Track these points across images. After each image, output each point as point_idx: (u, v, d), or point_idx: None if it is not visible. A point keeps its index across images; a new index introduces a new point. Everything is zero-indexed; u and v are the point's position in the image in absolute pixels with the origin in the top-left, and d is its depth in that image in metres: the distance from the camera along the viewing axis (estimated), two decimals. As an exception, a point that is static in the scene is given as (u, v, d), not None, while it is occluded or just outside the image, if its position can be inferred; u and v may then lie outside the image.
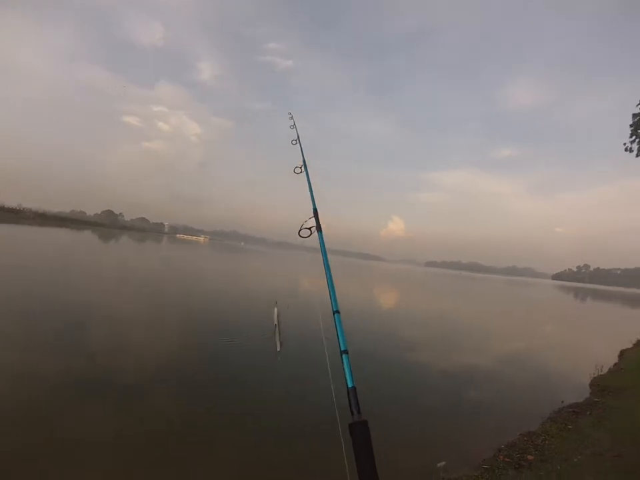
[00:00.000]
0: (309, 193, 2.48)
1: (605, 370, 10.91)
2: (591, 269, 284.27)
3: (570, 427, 6.30)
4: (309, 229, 2.06)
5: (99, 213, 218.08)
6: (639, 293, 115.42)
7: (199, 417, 5.66)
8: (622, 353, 13.86)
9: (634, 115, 21.48)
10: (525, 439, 5.82)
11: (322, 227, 2.09)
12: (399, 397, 7.65)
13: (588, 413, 7.05)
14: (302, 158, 2.79)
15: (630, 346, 15.46)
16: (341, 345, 1.43)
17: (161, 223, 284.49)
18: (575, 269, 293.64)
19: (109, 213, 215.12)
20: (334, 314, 1.59)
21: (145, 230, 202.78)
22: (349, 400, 1.25)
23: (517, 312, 32.04)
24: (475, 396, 8.37)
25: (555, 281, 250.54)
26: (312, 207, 2.29)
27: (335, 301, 1.63)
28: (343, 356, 1.40)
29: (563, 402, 7.83)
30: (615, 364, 12.05)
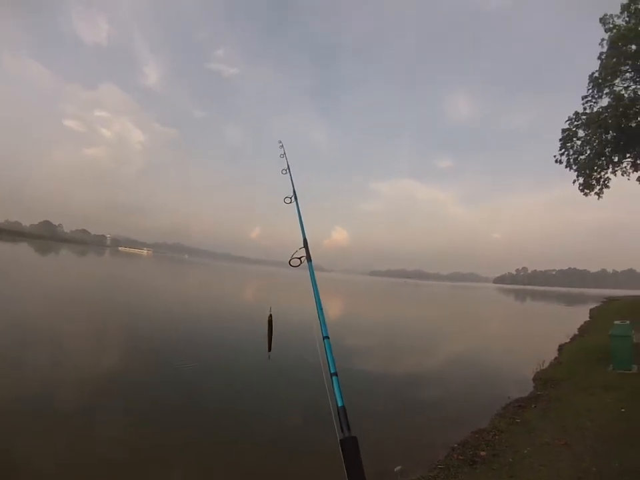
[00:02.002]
0: (298, 223, 2.49)
1: (547, 364, 11.63)
2: (529, 271, 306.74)
3: (517, 420, 6.64)
4: (299, 258, 2.16)
5: (36, 223, 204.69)
6: (573, 292, 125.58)
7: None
8: (561, 347, 14.84)
9: (563, 130, 23.66)
10: (477, 435, 6.04)
11: (311, 256, 2.20)
12: (355, 404, 7.66)
13: (533, 405, 7.46)
14: (292, 188, 2.77)
15: (567, 340, 16.62)
16: (331, 367, 1.52)
17: (103, 235, 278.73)
18: (514, 272, 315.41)
19: (47, 223, 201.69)
20: (324, 339, 1.68)
21: (86, 242, 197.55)
22: (339, 418, 1.34)
23: (463, 314, 33.67)
24: (427, 398, 8.63)
25: (496, 284, 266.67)
26: (302, 237, 2.35)
27: (325, 326, 1.72)
28: (333, 378, 1.49)
29: (509, 397, 8.24)
30: (555, 358, 12.89)
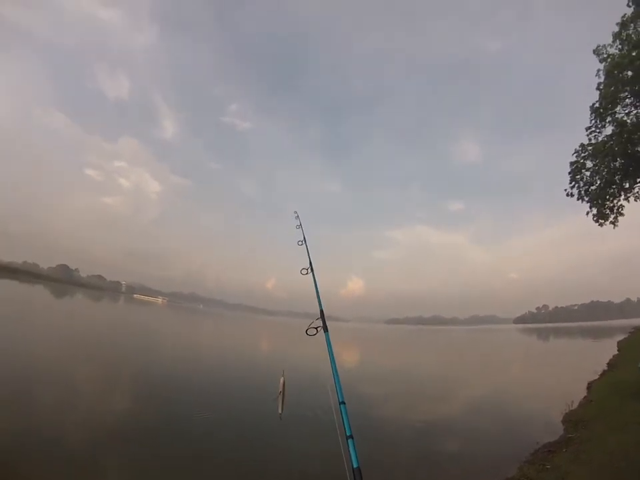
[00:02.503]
0: (315, 293, 2.63)
1: (576, 404, 11.11)
2: (550, 308, 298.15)
3: (548, 466, 6.27)
4: (316, 328, 2.30)
5: (54, 266, 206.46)
6: (599, 325, 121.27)
7: None
8: (590, 385, 14.22)
9: (571, 164, 24.20)
10: None
11: (327, 326, 2.33)
12: (384, 452, 7.36)
13: (564, 450, 7.07)
14: (308, 260, 2.89)
15: (597, 377, 15.90)
16: (347, 430, 1.62)
17: (118, 282, 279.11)
18: (534, 311, 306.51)
19: (64, 267, 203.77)
20: (340, 404, 1.78)
21: (102, 288, 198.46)
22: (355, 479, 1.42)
23: (482, 358, 32.50)
24: (453, 446, 8.24)
25: (517, 324, 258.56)
26: (319, 308, 2.49)
27: (341, 392, 1.82)
28: (349, 440, 1.58)
29: (538, 443, 7.84)
30: (585, 397, 12.32)
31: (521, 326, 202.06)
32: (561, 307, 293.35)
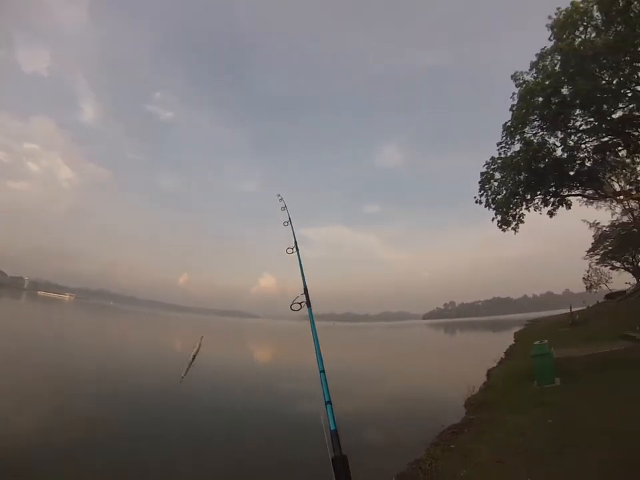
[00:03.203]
0: (299, 271, 2.90)
1: (477, 390, 11.84)
2: (456, 305, 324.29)
3: (452, 446, 6.58)
4: (300, 303, 2.60)
5: None
6: (499, 319, 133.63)
7: None
8: (489, 372, 15.38)
9: (481, 174, 26.30)
10: (413, 466, 5.92)
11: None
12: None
13: (466, 430, 7.49)
14: (294, 239, 3.20)
15: (495, 364, 17.32)
16: (325, 396, 1.90)
17: (21, 277, 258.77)
18: (442, 307, 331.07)
19: None
20: (320, 373, 2.09)
21: (2, 284, 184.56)
22: (332, 440, 1.62)
23: (392, 351, 34.10)
24: (366, 436, 8.30)
25: (426, 320, 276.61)
26: (302, 285, 2.73)
27: (322, 361, 2.15)
28: (327, 405, 1.83)
29: (443, 425, 8.20)
30: (485, 382, 13.32)
31: (429, 321, 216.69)
32: (466, 303, 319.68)
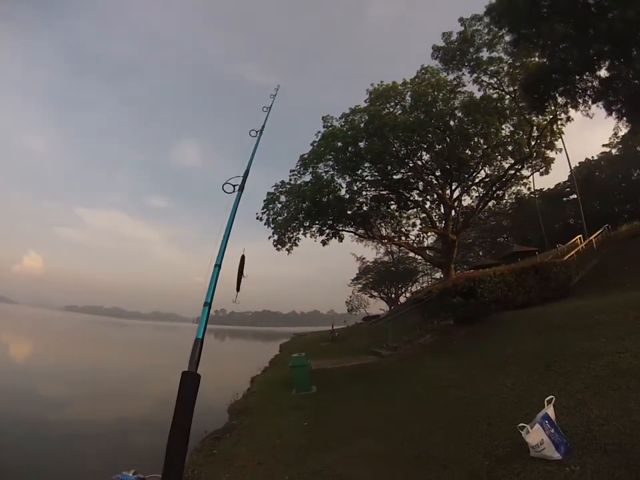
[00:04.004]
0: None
1: (240, 396, 12.32)
2: (227, 312, 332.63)
3: (215, 451, 6.72)
4: (234, 186, 2.70)
5: None
6: (268, 330, 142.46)
7: None
8: (253, 379, 16.13)
9: (268, 194, 28.26)
10: None
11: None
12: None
13: (228, 435, 7.76)
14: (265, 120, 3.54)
15: (259, 372, 18.31)
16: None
17: None
18: (213, 313, 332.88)
19: None
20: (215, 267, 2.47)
21: None
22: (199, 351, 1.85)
23: (163, 354, 32.49)
24: (118, 443, 7.70)
25: (196, 324, 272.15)
26: (245, 169, 2.95)
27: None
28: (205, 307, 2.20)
29: (206, 432, 8.26)
30: (248, 389, 13.89)
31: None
32: (237, 312, 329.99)
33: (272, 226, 27.66)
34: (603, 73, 16.22)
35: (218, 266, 2.57)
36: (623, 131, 22.05)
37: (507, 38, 19.14)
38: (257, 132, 3.34)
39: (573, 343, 7.47)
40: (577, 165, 42.04)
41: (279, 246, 27.73)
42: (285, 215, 27.43)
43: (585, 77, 16.57)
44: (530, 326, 10.03)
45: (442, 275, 30.61)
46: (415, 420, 6.96)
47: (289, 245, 27.82)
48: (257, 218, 28.26)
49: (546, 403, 4.55)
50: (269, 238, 27.85)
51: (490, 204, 32.66)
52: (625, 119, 16.67)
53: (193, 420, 7.35)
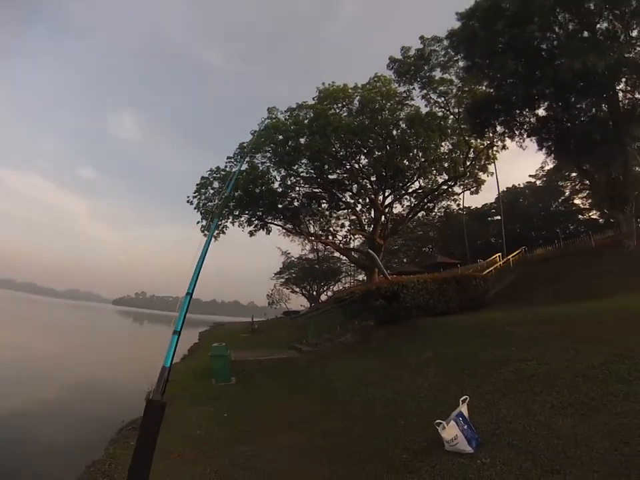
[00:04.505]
0: None
1: (159, 384, 11.87)
2: (147, 295, 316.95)
3: (132, 442, 6.42)
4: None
5: None
6: (187, 317, 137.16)
7: None
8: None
9: (202, 178, 27.52)
10: (92, 469, 5.50)
11: None
12: None
13: (146, 425, 7.45)
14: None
15: (178, 360, 17.69)
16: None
17: None
18: (133, 295, 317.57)
19: None
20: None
21: None
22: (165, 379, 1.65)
23: (79, 337, 30.30)
24: (34, 439, 7.12)
25: (116, 305, 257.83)
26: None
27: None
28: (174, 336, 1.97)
29: (123, 421, 7.90)
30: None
31: (119, 308, 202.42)
32: (158, 296, 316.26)
33: (202, 211, 26.99)
34: (541, 112, 17.78)
35: (189, 294, 2.82)
36: (550, 165, 24.67)
37: (461, 63, 20.32)
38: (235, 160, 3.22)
39: (485, 350, 8.17)
40: (505, 189, 45.55)
41: (206, 232, 27.10)
42: (216, 201, 26.78)
43: (524, 113, 18.04)
44: (448, 332, 10.71)
45: (365, 278, 31.45)
46: (336, 415, 7.24)
47: (216, 232, 27.31)
48: (188, 201, 27.42)
49: (460, 403, 5.03)
50: (198, 223, 27.14)
51: (420, 214, 34.41)
52: (553, 155, 18.33)
53: (111, 410, 7.08)
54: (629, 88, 15.84)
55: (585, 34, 15.57)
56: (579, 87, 15.05)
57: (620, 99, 15.97)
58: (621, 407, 4.65)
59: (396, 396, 7.34)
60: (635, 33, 15.04)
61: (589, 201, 38.84)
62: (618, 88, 15.82)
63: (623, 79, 15.50)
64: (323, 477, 4.81)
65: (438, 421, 4.85)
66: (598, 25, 15.38)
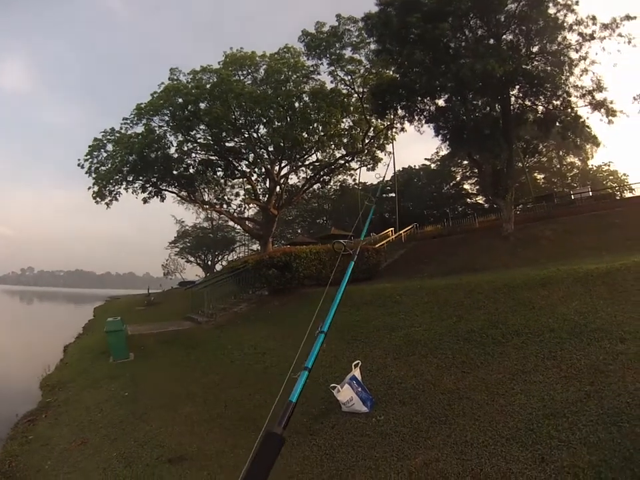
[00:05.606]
0: None
1: (53, 368, 11.03)
2: (35, 271, 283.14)
3: (31, 436, 6.03)
4: None
5: None
6: (81, 292, 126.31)
7: None
8: (66, 348, 14.50)
9: (95, 139, 25.57)
10: None
11: None
12: None
13: (44, 415, 7.00)
14: None
15: (73, 340, 16.56)
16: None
17: None
18: (19, 272, 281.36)
19: None
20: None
21: None
22: (289, 412, 1.59)
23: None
24: None
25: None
26: None
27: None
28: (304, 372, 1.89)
29: (17, 415, 7.29)
30: (61, 359, 12.47)
31: (4, 287, 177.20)
32: (47, 271, 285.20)
33: (93, 176, 25.08)
34: (441, 102, 19.23)
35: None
36: (444, 151, 27.14)
37: (372, 46, 20.87)
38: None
39: (377, 318, 9.01)
40: (401, 169, 48.28)
41: (98, 199, 25.53)
42: (109, 165, 25.27)
43: (425, 101, 19.34)
44: (341, 301, 11.42)
45: (259, 247, 31.86)
46: (235, 385, 7.53)
47: (108, 198, 25.95)
48: (79, 165, 25.10)
49: (353, 367, 5.62)
50: (89, 189, 25.34)
51: (315, 186, 35.23)
52: (447, 143, 19.90)
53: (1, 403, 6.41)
54: (521, 95, 17.87)
55: (491, 41, 17.22)
56: (478, 86, 16.50)
57: (512, 102, 17.94)
58: (496, 365, 5.52)
59: (292, 363, 7.77)
60: (535, 49, 16.95)
61: (477, 187, 43.54)
62: (512, 93, 17.76)
63: (517, 86, 17.39)
64: (230, 445, 5.04)
65: (333, 385, 5.34)
66: (504, 36, 17.13)
